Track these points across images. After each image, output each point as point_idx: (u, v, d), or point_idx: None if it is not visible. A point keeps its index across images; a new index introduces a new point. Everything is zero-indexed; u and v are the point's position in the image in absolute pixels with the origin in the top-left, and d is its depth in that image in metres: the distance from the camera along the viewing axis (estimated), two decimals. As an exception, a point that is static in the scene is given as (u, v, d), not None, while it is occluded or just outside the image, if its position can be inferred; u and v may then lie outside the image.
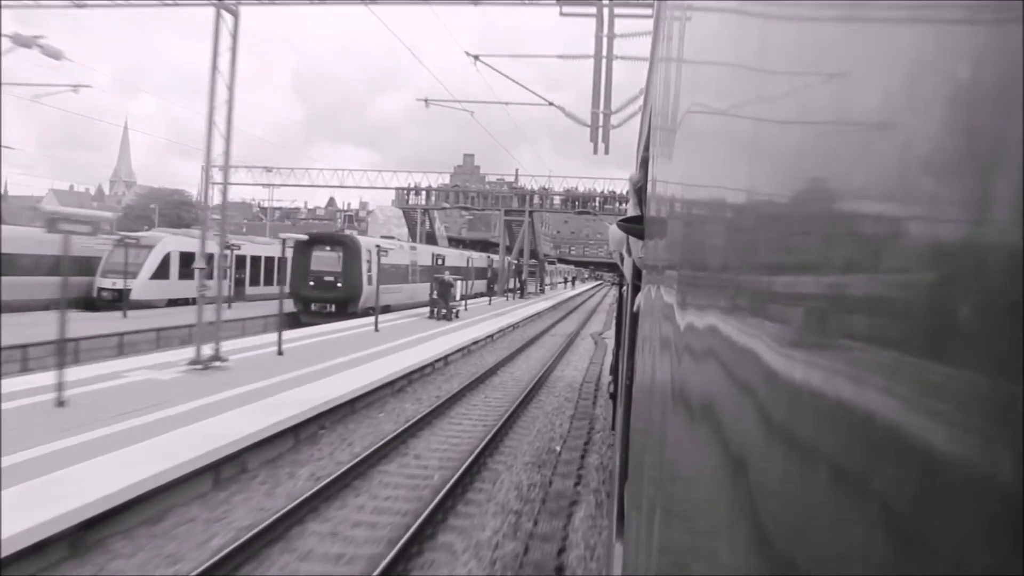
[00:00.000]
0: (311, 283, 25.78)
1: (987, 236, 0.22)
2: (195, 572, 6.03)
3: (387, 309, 28.63)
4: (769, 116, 0.56)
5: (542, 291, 56.92)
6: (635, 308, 3.23)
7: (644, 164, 2.99)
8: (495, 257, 47.37)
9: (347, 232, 28.02)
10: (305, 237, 24.32)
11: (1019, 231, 0.20)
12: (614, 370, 8.66)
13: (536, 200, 46.98)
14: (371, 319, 24.99)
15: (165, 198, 77.86)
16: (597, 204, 46.44)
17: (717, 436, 0.69)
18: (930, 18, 0.28)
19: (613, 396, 8.24)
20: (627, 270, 4.29)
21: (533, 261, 52.37)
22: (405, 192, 48.36)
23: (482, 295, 44.44)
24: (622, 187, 45.03)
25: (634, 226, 2.86)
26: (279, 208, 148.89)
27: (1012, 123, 0.21)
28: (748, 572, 0.50)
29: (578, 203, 46.53)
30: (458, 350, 20.60)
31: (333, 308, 25.62)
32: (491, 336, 25.08)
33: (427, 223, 50.27)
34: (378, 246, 23.57)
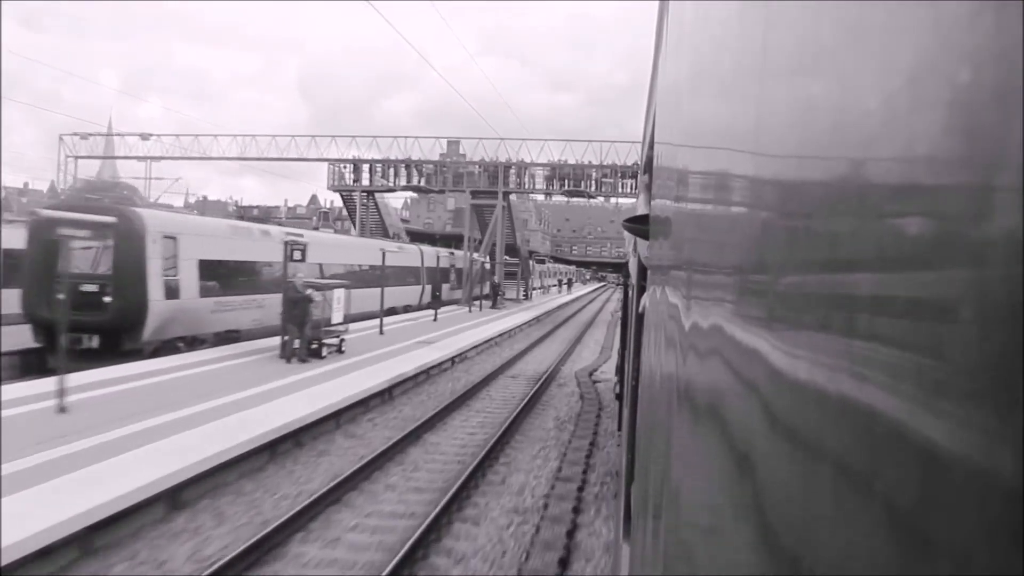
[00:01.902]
0: (59, 296, 14.14)
1: (988, 235, 0.22)
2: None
3: (231, 337, 17.06)
4: (773, 116, 0.56)
5: (526, 297, 45.27)
6: (640, 308, 3.18)
7: (649, 164, 3.00)
8: (460, 254, 35.76)
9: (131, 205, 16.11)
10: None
11: (1019, 230, 0.20)
12: (620, 370, 9.29)
13: (513, 178, 35.42)
14: (127, 368, 13.42)
15: (107, 191, 67.78)
16: (593, 182, 34.86)
17: (723, 436, 0.69)
18: (930, 18, 0.28)
19: (619, 396, 8.70)
20: (633, 270, 4.49)
21: (515, 259, 40.73)
22: (339, 168, 36.83)
23: (442, 306, 33.10)
24: (625, 152, 33.44)
25: (640, 226, 2.88)
26: (256, 207, 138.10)
27: (1012, 123, 0.21)
28: (754, 571, 0.51)
29: (568, 181, 34.96)
30: (266, 446, 9.13)
31: (95, 342, 14.01)
32: (385, 394, 13.58)
33: (376, 210, 38.81)
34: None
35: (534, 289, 53.72)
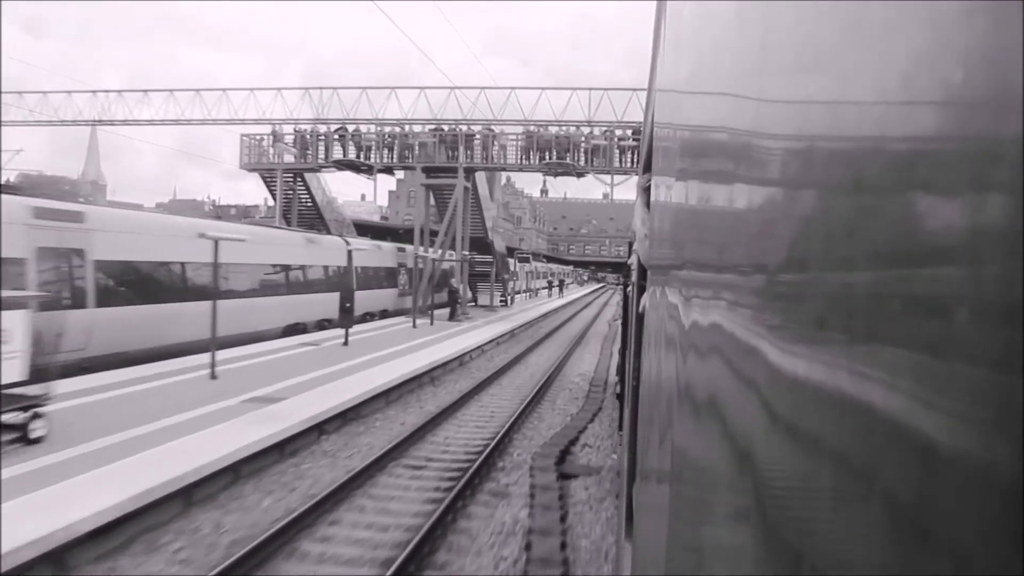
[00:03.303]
0: None
1: (987, 233, 0.23)
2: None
3: None
4: (771, 115, 0.57)
5: (504, 303, 37.00)
6: (641, 308, 3.20)
7: (648, 165, 3.03)
8: (410, 248, 27.43)
9: None
10: None
11: (1019, 227, 0.21)
12: (621, 370, 9.15)
13: (477, 150, 27.11)
14: None
15: (47, 186, 61.29)
16: (582, 153, 26.54)
17: (724, 435, 0.70)
18: (929, 18, 0.28)
19: (620, 397, 8.85)
20: (634, 269, 4.36)
21: (486, 256, 32.49)
22: (254, 141, 28.49)
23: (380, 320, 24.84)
24: (623, 104, 25.32)
25: None
26: (234, 206, 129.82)
27: (1011, 121, 0.21)
28: (756, 569, 0.51)
29: (550, 153, 26.64)
30: None
31: None
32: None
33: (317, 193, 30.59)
34: None
35: (517, 293, 45.42)
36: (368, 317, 25.57)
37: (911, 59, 0.29)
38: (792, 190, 0.49)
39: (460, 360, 18.96)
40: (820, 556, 0.38)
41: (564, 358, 20.80)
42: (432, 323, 24.28)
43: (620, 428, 8.18)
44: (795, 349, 0.45)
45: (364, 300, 25.08)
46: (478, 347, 21.52)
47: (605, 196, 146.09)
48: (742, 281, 0.67)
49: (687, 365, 1.04)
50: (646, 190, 2.91)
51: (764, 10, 0.61)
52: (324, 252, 21.60)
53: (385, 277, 27.00)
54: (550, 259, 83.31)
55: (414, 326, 23.10)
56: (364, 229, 35.21)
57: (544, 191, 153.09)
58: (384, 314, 26.75)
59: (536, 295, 54.44)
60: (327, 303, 21.35)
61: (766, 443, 0.51)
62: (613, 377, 14.94)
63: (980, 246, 0.23)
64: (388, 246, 27.67)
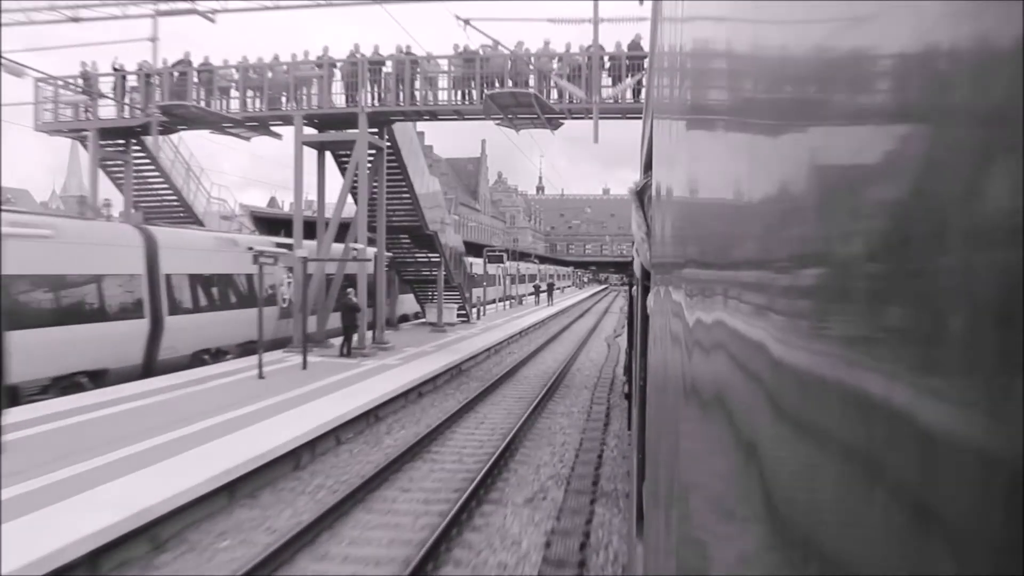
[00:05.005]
0: None
1: (986, 228, 0.23)
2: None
3: None
4: (771, 113, 0.57)
5: (464, 319, 27.06)
6: (646, 308, 3.24)
7: (648, 166, 3.02)
8: (285, 244, 17.44)
9: None
10: None
11: (1018, 220, 0.21)
12: (628, 370, 8.83)
13: (394, 87, 17.16)
14: None
15: None
16: (553, 84, 16.51)
17: (731, 432, 0.71)
18: (922, 16, 0.28)
19: (628, 396, 8.45)
20: (638, 269, 4.40)
21: (435, 254, 22.62)
22: (56, 89, 18.67)
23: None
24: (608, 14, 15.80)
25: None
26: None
27: (1011, 116, 0.21)
28: (766, 563, 0.52)
29: (500, 80, 16.72)
30: None
31: None
32: None
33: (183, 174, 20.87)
34: None
35: (490, 303, 35.45)
36: (207, 357, 15.71)
37: (904, 56, 0.29)
38: (793, 187, 0.49)
39: (299, 461, 9.24)
40: (829, 551, 0.37)
41: (519, 430, 10.95)
42: (305, 366, 14.41)
43: (629, 427, 7.98)
44: (799, 344, 0.45)
45: (198, 329, 15.23)
46: (371, 411, 11.79)
47: (605, 192, 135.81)
48: (745, 279, 0.67)
49: (692, 362, 1.05)
50: (638, 194, 2.96)
51: (756, 9, 0.61)
52: (72, 252, 11.76)
53: (251, 290, 17.14)
54: (544, 259, 73.10)
55: (260, 376, 13.23)
56: (273, 224, 25.03)
57: (540, 188, 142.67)
58: (248, 347, 16.88)
59: (520, 303, 44.33)
60: (70, 342, 11.51)
61: (773, 439, 0.51)
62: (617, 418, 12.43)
63: (980, 241, 0.23)
64: (254, 241, 17.75)
